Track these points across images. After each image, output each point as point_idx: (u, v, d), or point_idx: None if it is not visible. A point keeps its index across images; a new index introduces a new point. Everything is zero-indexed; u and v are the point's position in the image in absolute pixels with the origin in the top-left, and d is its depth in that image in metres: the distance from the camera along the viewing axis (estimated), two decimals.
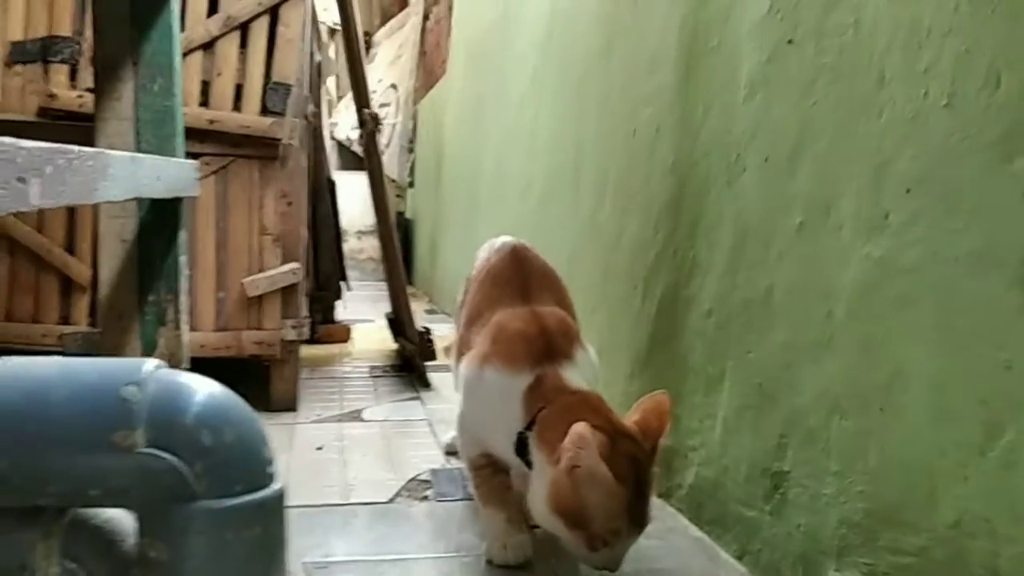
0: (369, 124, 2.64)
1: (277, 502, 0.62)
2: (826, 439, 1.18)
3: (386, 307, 3.07)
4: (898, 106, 1.07)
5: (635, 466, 1.20)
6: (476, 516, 1.52)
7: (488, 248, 1.69)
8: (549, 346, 1.36)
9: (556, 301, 1.54)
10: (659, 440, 1.25)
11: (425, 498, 1.66)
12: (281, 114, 2.15)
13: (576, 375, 1.34)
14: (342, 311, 3.72)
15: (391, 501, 1.64)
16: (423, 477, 1.77)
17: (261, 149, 2.16)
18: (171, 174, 1.45)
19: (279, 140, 2.16)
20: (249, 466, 0.61)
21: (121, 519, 0.64)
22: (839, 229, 1.18)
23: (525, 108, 3.07)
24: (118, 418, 0.57)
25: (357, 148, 6.76)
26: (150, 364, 0.60)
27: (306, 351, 2.92)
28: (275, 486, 0.62)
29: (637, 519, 1.20)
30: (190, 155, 1.71)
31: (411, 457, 1.91)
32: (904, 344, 1.04)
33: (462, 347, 1.54)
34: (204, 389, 0.62)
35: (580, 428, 1.15)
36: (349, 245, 7.38)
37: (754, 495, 1.35)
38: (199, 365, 2.29)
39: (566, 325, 1.43)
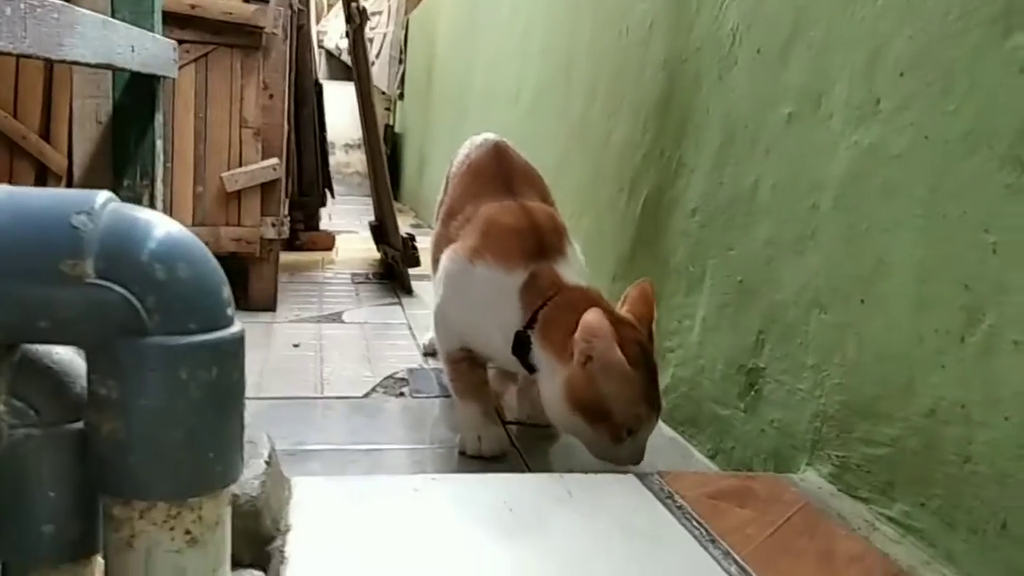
0: (356, 18, 2.56)
1: (235, 345, 0.59)
2: (804, 333, 1.17)
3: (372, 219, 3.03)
4: None
5: (643, 351, 1.19)
6: (451, 412, 1.52)
7: (469, 144, 1.65)
8: (541, 242, 1.33)
9: (540, 198, 1.51)
10: (652, 325, 1.25)
11: (401, 394, 1.65)
12: (265, 1, 2.07)
13: (570, 271, 1.32)
14: (327, 221, 3.68)
15: (366, 396, 1.63)
16: (400, 375, 1.76)
17: (243, 37, 2.09)
18: (147, 48, 1.40)
19: (262, 28, 2.09)
20: (205, 304, 0.58)
21: (73, 360, 0.62)
22: (829, 119, 1.15)
23: (519, 11, 2.99)
24: (67, 246, 0.54)
25: (346, 58, 6.63)
26: (103, 195, 0.58)
27: (288, 257, 2.89)
28: (234, 328, 0.60)
29: (654, 402, 1.19)
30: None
31: (389, 357, 1.90)
32: (889, 233, 1.02)
33: (441, 241, 1.51)
34: (161, 224, 0.59)
35: (592, 319, 1.13)
36: (336, 159, 7.30)
37: (729, 393, 1.34)
38: None
39: (556, 221, 1.40)
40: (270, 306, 2.23)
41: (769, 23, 1.31)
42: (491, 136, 1.62)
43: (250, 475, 0.80)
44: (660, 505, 1.00)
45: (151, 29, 1.53)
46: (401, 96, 6.95)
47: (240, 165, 2.10)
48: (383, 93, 7.44)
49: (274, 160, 2.12)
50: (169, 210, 2.03)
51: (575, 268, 1.35)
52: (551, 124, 2.46)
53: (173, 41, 1.60)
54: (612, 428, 1.16)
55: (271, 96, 2.13)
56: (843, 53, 1.13)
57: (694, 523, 0.96)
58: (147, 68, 1.41)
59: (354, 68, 2.74)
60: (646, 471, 1.12)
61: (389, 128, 7.11)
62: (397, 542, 0.87)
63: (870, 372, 1.04)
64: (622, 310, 1.27)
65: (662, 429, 1.52)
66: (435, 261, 1.52)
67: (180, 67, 2.04)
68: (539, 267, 1.30)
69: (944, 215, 0.94)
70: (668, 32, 1.68)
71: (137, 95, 1.57)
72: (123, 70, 1.37)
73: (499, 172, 1.52)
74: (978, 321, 0.88)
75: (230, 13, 2.05)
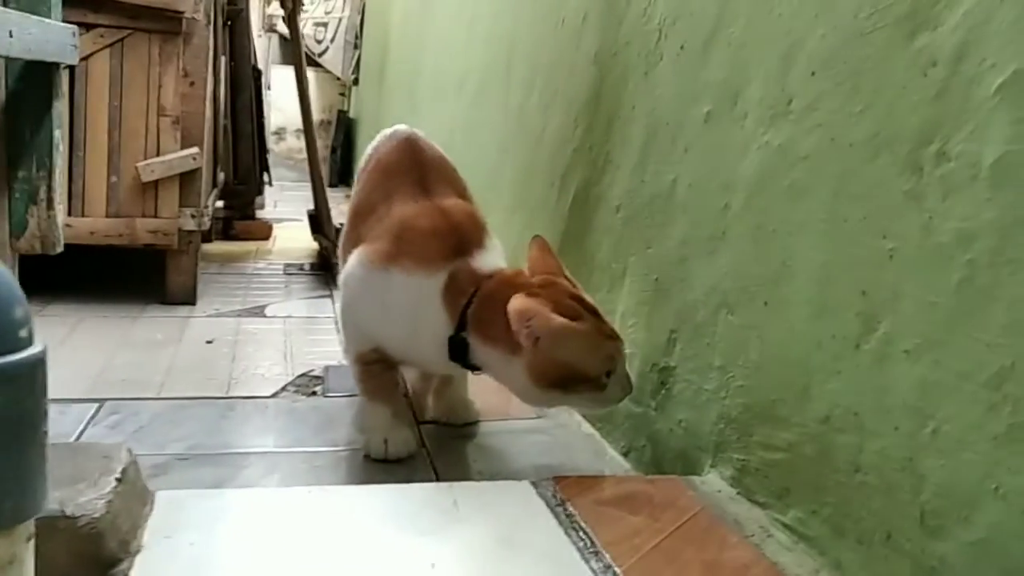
0: (288, 5, 2.48)
1: (30, 369, 0.54)
2: (712, 334, 1.14)
3: None
4: None
5: (576, 299, 1.19)
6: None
7: (379, 138, 1.57)
8: (459, 241, 1.27)
9: (456, 193, 1.44)
10: (564, 271, 1.26)
11: (313, 394, 1.59)
12: None
13: (487, 259, 1.28)
14: (271, 209, 3.60)
15: (274, 396, 1.57)
16: (316, 373, 1.70)
17: (162, 22, 2.01)
18: (34, 34, 1.32)
19: (182, 13, 2.01)
20: None
21: None
22: (743, 118, 1.11)
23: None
24: None
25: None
26: None
27: (219, 247, 2.82)
28: (29, 351, 0.54)
29: (613, 334, 1.19)
30: (83, 26, 1.57)
31: (308, 353, 1.84)
32: (794, 235, 0.99)
33: (349, 241, 1.44)
34: None
35: (516, 305, 1.12)
36: (287, 144, 7.19)
37: (643, 391, 1.31)
38: (89, 253, 2.18)
39: (474, 217, 1.34)
40: (189, 300, 2.15)
41: (694, 18, 1.27)
42: (401, 128, 1.55)
43: (94, 495, 0.75)
44: (549, 515, 0.96)
45: (48, 12, 1.45)
46: (356, 81, 6.86)
47: (157, 154, 2.02)
48: (338, 79, 7.34)
49: (194, 149, 2.05)
50: (81, 201, 1.95)
51: (494, 256, 1.30)
52: (492, 114, 2.41)
53: (72, 26, 1.51)
54: (591, 382, 1.16)
55: (192, 83, 2.05)
56: (760, 51, 1.09)
57: (581, 534, 0.92)
58: (33, 55, 1.33)
59: (292, 60, 2.67)
60: (542, 477, 1.08)
61: (343, 113, 7.01)
62: (260, 564, 0.82)
63: (771, 375, 1.01)
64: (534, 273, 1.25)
65: (581, 426, 1.48)
66: (344, 260, 1.46)
67: (93, 53, 1.96)
68: (456, 265, 1.25)
69: (846, 219, 0.90)
70: (600, 25, 1.63)
71: (32, 83, 1.48)
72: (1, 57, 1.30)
73: (411, 168, 1.44)
74: (873, 329, 0.85)
75: None
